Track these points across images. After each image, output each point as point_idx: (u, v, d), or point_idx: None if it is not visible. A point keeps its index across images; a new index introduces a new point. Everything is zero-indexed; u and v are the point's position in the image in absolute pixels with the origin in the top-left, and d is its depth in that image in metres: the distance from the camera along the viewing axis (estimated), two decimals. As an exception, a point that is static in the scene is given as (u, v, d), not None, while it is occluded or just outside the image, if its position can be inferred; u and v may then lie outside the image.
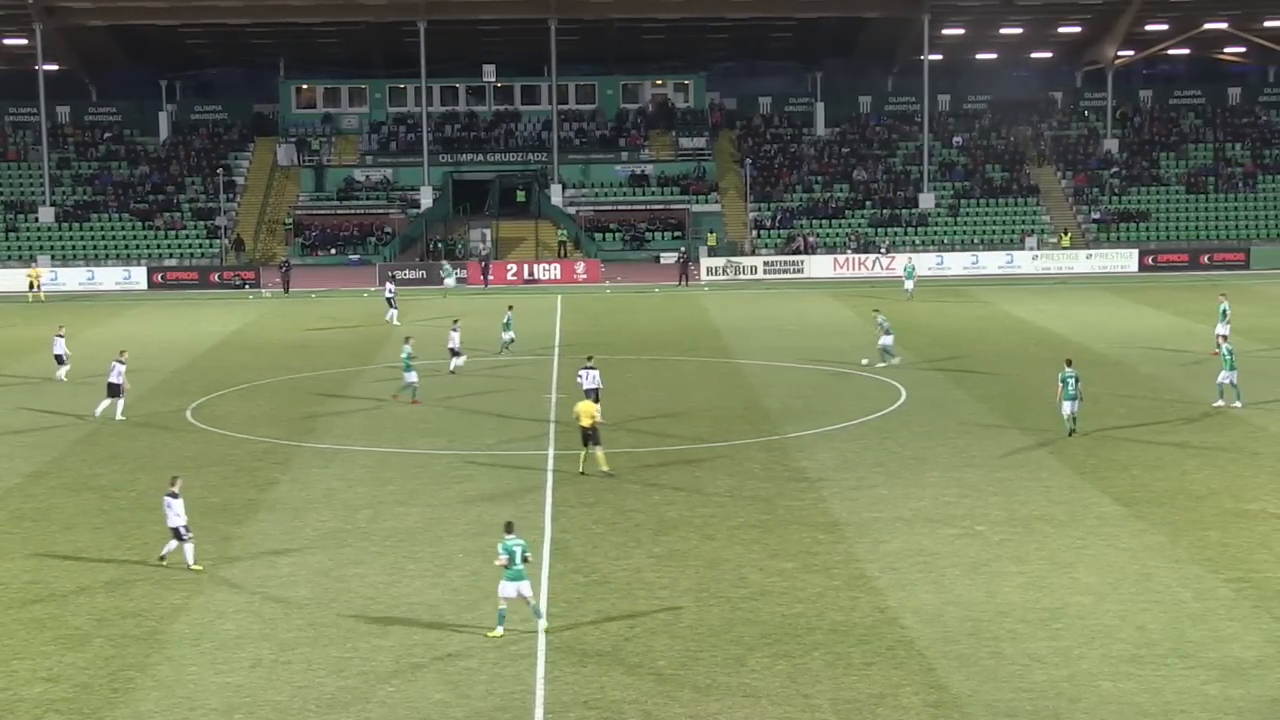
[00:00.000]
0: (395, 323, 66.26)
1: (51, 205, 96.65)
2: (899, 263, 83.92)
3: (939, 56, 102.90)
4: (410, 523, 31.55)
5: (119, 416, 43.68)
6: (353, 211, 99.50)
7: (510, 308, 57.46)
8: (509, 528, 24.82)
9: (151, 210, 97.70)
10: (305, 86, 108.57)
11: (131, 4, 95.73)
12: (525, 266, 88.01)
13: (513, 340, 55.83)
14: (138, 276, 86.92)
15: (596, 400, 39.60)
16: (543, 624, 24.41)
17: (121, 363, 44.42)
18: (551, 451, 38.40)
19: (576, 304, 74.67)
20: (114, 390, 44.02)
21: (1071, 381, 39.08)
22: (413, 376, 45.86)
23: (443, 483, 35.22)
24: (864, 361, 52.11)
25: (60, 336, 52.70)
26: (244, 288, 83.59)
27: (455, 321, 53.34)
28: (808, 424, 41.67)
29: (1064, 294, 76.60)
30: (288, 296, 79.58)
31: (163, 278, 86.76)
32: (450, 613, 25.58)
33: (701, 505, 32.66)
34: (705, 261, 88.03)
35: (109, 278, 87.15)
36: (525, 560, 24.32)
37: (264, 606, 26.17)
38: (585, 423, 35.19)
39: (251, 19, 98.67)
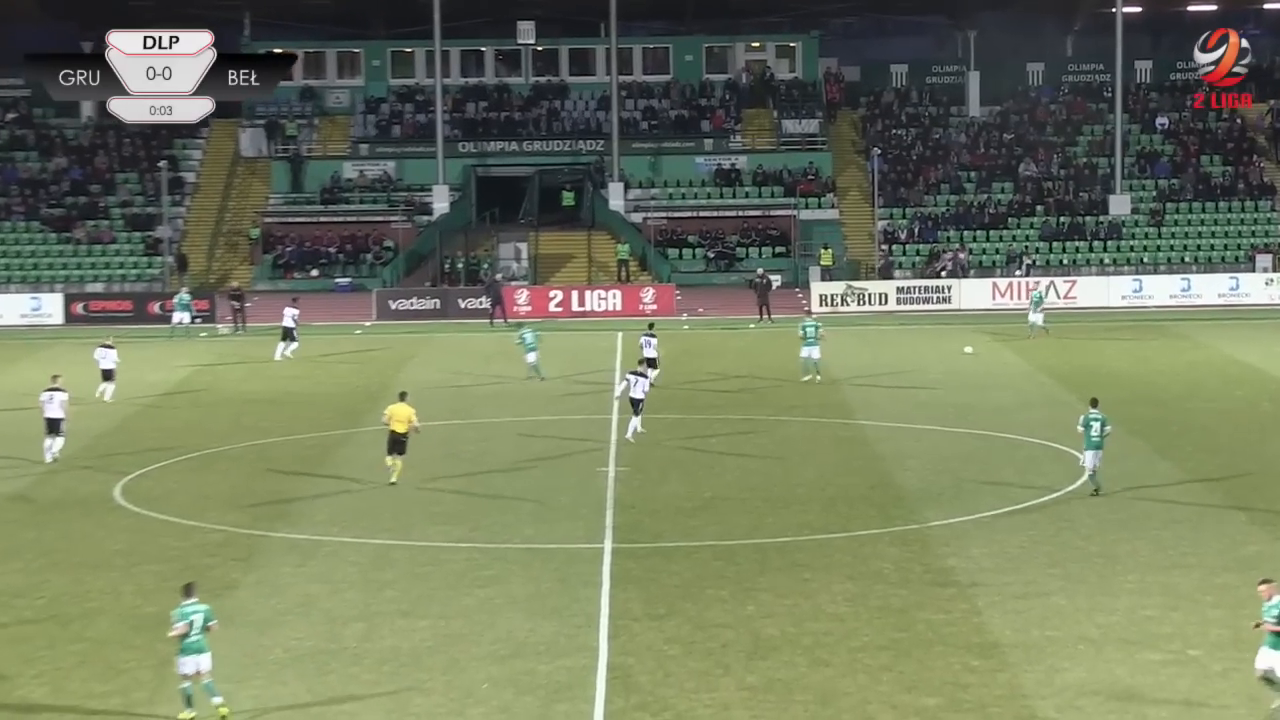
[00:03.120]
0: (283, 357, 69.32)
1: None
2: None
3: (1137, 9, 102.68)
4: (417, 640, 31.56)
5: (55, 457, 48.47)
6: (341, 219, 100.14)
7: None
8: (188, 590, 27.35)
9: (70, 218, 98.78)
10: (277, 51, 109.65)
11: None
12: (573, 294, 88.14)
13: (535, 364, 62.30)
14: (51, 306, 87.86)
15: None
16: (218, 700, 26.35)
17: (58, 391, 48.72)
18: (609, 545, 38.37)
19: (642, 344, 74.78)
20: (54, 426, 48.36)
21: (1096, 426, 40.56)
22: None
23: (461, 586, 35.25)
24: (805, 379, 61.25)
25: (108, 348, 58.93)
26: (194, 322, 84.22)
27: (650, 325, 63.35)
28: (957, 508, 41.48)
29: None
30: (246, 334, 79.96)
31: (85, 308, 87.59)
32: (470, 764, 25.58)
33: (811, 619, 32.54)
34: (816, 287, 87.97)
35: (12, 308, 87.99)
36: (207, 629, 26.94)
37: (218, 755, 26.26)
38: (398, 429, 42.85)
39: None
